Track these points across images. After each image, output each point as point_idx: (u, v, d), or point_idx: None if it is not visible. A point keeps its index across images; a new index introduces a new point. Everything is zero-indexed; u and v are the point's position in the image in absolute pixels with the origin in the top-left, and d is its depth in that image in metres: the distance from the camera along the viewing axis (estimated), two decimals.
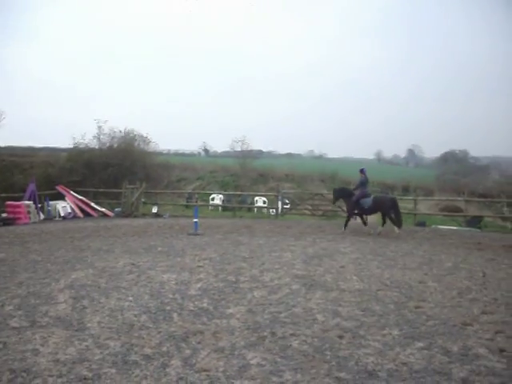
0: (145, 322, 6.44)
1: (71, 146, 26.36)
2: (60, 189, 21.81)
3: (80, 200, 21.78)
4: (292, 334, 6.01)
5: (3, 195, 19.60)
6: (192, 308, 7.04)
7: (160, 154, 32.46)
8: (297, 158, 73.19)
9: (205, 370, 4.94)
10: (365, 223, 16.54)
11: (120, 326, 6.24)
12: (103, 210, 21.56)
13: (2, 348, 5.51)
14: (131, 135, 27.30)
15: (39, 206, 19.98)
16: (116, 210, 21.52)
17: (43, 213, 20.29)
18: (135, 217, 20.57)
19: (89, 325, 6.28)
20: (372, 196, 15.70)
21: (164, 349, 5.51)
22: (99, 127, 26.30)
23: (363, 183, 15.80)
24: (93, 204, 21.84)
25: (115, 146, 26.44)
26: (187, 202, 24.70)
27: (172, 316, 6.67)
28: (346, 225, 16.33)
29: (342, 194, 16.57)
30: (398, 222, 15.44)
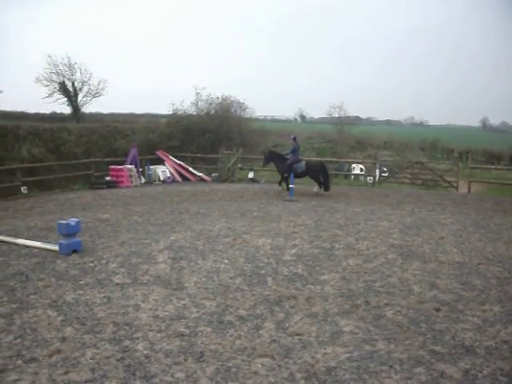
0: (240, 284, 6.72)
1: (170, 113, 27.38)
2: (160, 154, 22.82)
3: (178, 165, 22.67)
4: (386, 304, 6.01)
5: (107, 159, 20.90)
6: (286, 273, 7.23)
7: (256, 120, 32.71)
8: (396, 125, 70.81)
9: (297, 334, 5.12)
10: (287, 188, 16.88)
11: (216, 287, 6.57)
12: (201, 174, 22.31)
13: (107, 302, 6.02)
14: (228, 101, 27.78)
15: (140, 170, 21.09)
16: (213, 175, 22.19)
17: (144, 177, 21.41)
18: (231, 182, 21.12)
19: (186, 284, 6.67)
20: (304, 161, 17.14)
21: (258, 311, 5.75)
22: (197, 94, 27.04)
23: (295, 150, 17.08)
24: (191, 169, 22.66)
25: (212, 112, 27.05)
26: None
27: (266, 280, 6.90)
28: (280, 183, 17.55)
29: (272, 157, 17.62)
30: (325, 185, 16.91)
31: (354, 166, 25.67)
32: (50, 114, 48.22)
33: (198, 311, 5.75)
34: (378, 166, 22.04)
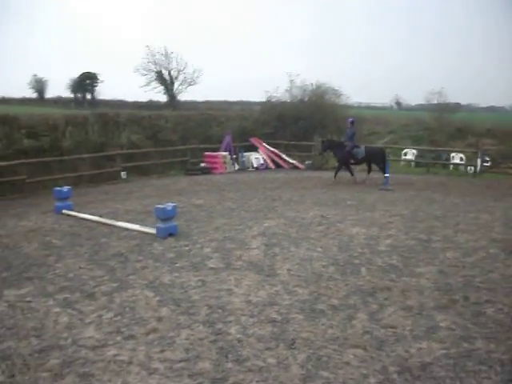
0: (332, 273, 6.65)
1: (264, 100, 27.54)
2: (253, 141, 23.08)
3: (272, 152, 22.82)
4: (487, 301, 5.70)
5: (202, 146, 21.44)
6: (380, 264, 7.06)
7: (351, 107, 32.13)
8: (500, 112, 66.64)
9: (391, 327, 4.99)
10: (352, 173, 16.76)
11: (308, 275, 6.55)
12: (294, 162, 22.31)
13: (201, 285, 6.19)
14: (322, 88, 27.46)
15: (234, 156, 21.46)
16: (306, 162, 22.11)
17: (238, 163, 21.76)
18: (325, 170, 20.93)
19: (279, 271, 6.70)
20: (363, 147, 16.59)
21: (351, 301, 5.67)
22: (291, 81, 26.97)
23: (353, 135, 16.40)
24: (284, 156, 22.73)
25: (306, 99, 26.88)
26: None
27: (360, 270, 6.78)
28: (352, 174, 16.71)
29: (330, 145, 16.96)
30: (383, 171, 16.14)
31: (453, 154, 24.56)
32: (147, 102, 50.32)
33: (290, 298, 5.76)
34: (479, 155, 20.92)
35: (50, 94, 70.95)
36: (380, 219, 10.05)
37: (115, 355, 4.42)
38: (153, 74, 46.18)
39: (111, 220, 9.76)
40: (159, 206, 8.65)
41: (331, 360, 4.31)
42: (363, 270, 6.80)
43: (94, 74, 65.08)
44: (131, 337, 4.78)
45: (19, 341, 4.79)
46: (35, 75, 71.23)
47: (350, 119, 16.94)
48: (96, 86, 66.65)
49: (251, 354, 4.41)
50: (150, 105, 47.29)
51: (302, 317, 5.23)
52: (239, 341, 4.68)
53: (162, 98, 48.74)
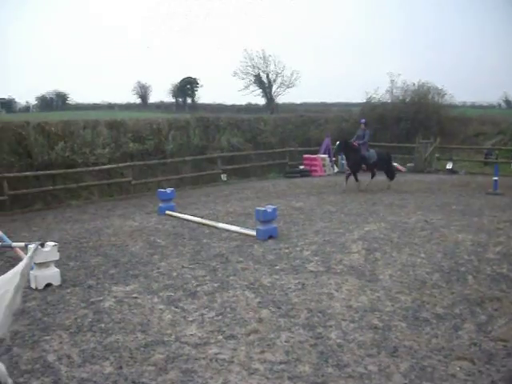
0: (437, 280, 6.41)
1: (363, 101, 27.12)
2: (353, 143, 22.79)
3: None
4: None
5: (300, 149, 21.49)
6: (489, 272, 6.70)
7: (455, 106, 30.76)
8: None
9: (501, 340, 4.71)
10: (357, 179, 15.02)
11: (411, 282, 6.35)
12: (395, 164, 21.75)
13: (301, 288, 6.20)
14: (425, 88, 26.56)
15: (333, 159, 21.28)
16: (408, 165, 21.46)
17: (337, 166, 21.55)
18: (428, 172, 20.19)
19: (380, 277, 6.56)
20: (373, 150, 15.32)
21: (456, 311, 5.43)
22: (392, 81, 26.36)
23: (365, 136, 15.02)
24: None
25: (408, 99, 26.14)
26: (486, 158, 23.04)
27: (467, 278, 6.48)
28: (356, 180, 15.01)
29: (346, 146, 14.93)
30: (391, 175, 15.58)
31: None
32: (246, 105, 51.17)
33: (392, 305, 5.62)
34: None
35: (152, 99, 74.33)
36: (488, 225, 9.53)
37: (217, 354, 4.53)
38: (251, 77, 46.95)
39: (212, 221, 10.03)
40: (259, 208, 8.77)
41: (436, 371, 4.14)
42: (470, 278, 6.48)
43: (195, 78, 67.34)
44: (232, 336, 4.88)
45: (126, 335, 5.04)
46: (139, 81, 74.98)
47: (363, 120, 15.83)
48: (196, 91, 68.95)
49: (352, 360, 4.34)
50: (249, 108, 48.13)
51: (404, 324, 5.08)
52: (339, 346, 4.63)
53: (260, 100, 49.41)
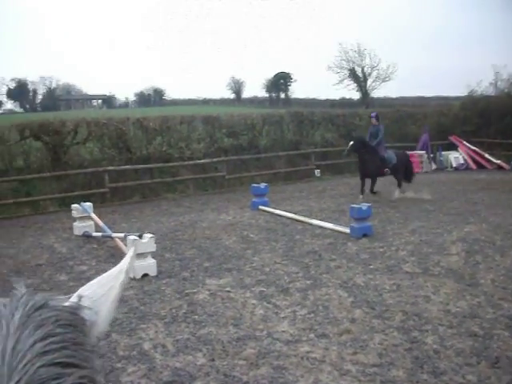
0: None
1: (464, 95, 25.94)
2: (453, 139, 21.85)
3: (473, 151, 21.35)
4: None
5: (397, 145, 20.90)
6: None
7: None
8: None
9: None
10: (372, 189, 12.53)
11: None
12: (498, 162, 20.60)
13: (396, 290, 6.04)
14: None
15: (431, 156, 20.55)
16: None
17: (435, 163, 20.78)
18: None
19: (481, 281, 6.25)
20: (391, 151, 12.87)
21: None
22: (496, 73, 25.05)
23: (378, 133, 12.49)
24: (487, 155, 21.12)
25: None
26: None
27: None
28: (373, 191, 12.50)
29: (362, 146, 12.26)
30: (409, 178, 13.00)
31: None
32: (340, 99, 50.64)
33: (494, 312, 5.33)
34: None
35: (246, 94, 75.53)
36: None
37: (308, 352, 4.52)
38: (345, 71, 46.35)
39: (305, 218, 10.01)
40: (354, 205, 8.65)
41: None
42: None
43: (288, 73, 67.52)
44: (324, 335, 4.85)
45: (219, 328, 5.15)
46: (233, 77, 76.41)
47: (374, 113, 13.17)
48: (289, 85, 69.12)
49: (449, 368, 4.17)
50: (342, 102, 47.55)
51: (507, 333, 4.81)
52: (436, 352, 4.46)
53: (355, 95, 48.68)
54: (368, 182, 12.32)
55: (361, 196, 11.87)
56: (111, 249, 8.46)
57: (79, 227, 9.56)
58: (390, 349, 4.53)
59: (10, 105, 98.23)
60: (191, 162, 15.34)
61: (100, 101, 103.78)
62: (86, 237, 9.26)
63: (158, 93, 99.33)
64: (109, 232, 8.47)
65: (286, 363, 4.34)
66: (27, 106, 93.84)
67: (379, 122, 12.77)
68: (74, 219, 9.68)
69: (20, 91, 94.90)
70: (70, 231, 9.86)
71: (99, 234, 8.87)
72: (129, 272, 0.90)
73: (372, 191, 12.21)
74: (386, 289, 6.06)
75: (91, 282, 0.90)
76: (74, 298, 0.83)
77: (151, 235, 7.03)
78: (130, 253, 0.94)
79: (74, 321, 0.74)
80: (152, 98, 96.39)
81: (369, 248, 7.87)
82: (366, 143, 12.19)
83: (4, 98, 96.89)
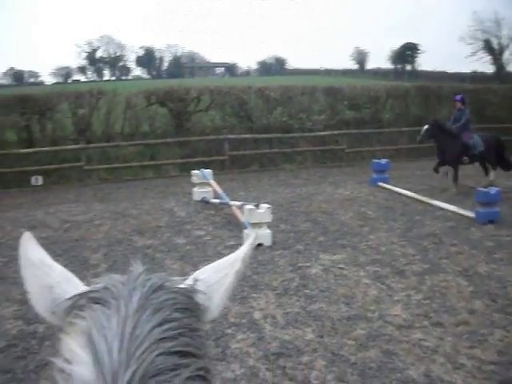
0: None
1: None
2: None
3: None
4: None
5: None
6: None
7: None
8: None
9: None
10: (457, 177, 10.96)
11: None
12: None
13: None
14: None
15: None
16: None
17: None
18: None
19: None
20: (477, 136, 11.05)
21: None
22: None
23: (467, 120, 11.03)
24: None
25: None
26: None
27: None
28: (456, 180, 10.94)
29: (440, 131, 10.82)
30: (507, 165, 11.31)
31: None
32: (471, 73, 47.67)
33: None
34: None
35: (370, 65, 73.54)
36: None
37: (421, 340, 4.37)
38: (480, 42, 43.43)
39: (426, 198, 9.61)
40: (481, 188, 8.15)
41: None
42: None
43: (415, 44, 64.57)
44: (439, 324, 4.65)
45: (330, 304, 5.13)
46: (357, 47, 74.53)
47: (459, 96, 11.48)
48: (416, 57, 66.17)
49: None
50: (474, 77, 44.71)
51: None
52: None
53: (488, 68, 45.56)
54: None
55: (454, 185, 10.74)
56: (228, 216, 8.70)
57: (198, 193, 9.93)
58: (511, 347, 4.25)
59: (138, 71, 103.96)
60: (311, 134, 15.26)
61: (223, 69, 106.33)
62: (205, 202, 9.59)
63: (280, 62, 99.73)
64: (226, 199, 8.70)
65: (396, 348, 4.24)
66: (154, 73, 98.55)
67: (465, 105, 11.35)
68: (194, 185, 10.05)
69: (147, 58, 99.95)
70: (190, 196, 10.27)
71: (217, 200, 9.15)
72: (245, 261, 0.89)
73: (455, 181, 10.85)
74: (510, 281, 5.67)
75: (207, 267, 0.90)
76: (189, 281, 0.83)
77: (268, 205, 7.11)
78: (248, 241, 0.92)
79: (189, 305, 0.73)
80: (273, 67, 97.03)
81: (494, 235, 7.38)
82: (445, 128, 10.93)
83: (133, 65, 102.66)
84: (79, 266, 6.31)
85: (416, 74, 59.21)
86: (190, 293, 0.76)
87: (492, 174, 11.19)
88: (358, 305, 5.11)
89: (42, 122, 14.15)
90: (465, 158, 10.77)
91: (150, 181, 12.99)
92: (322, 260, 6.48)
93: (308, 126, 15.55)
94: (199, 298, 0.78)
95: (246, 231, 7.07)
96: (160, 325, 0.66)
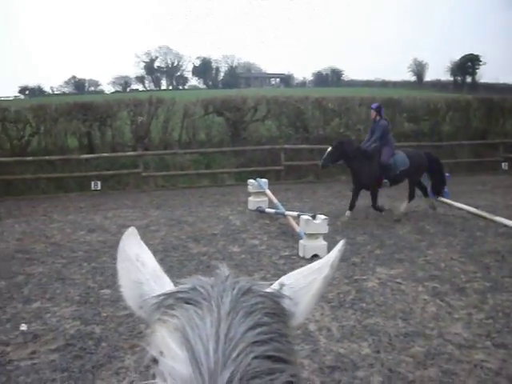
0: None
1: None
2: None
3: None
4: None
5: None
6: None
7: None
8: None
9: None
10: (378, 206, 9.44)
11: None
12: None
13: None
14: None
15: None
16: None
17: None
18: None
19: None
20: (403, 153, 9.41)
21: None
22: None
23: (386, 132, 9.23)
24: None
25: None
26: None
27: None
28: (376, 206, 9.41)
29: (345, 151, 9.11)
30: (437, 188, 9.76)
31: None
32: None
33: None
34: None
35: (428, 77, 72.35)
36: None
37: (483, 361, 4.23)
38: None
39: (489, 214, 9.30)
40: None
41: None
42: None
43: (477, 55, 63.00)
44: (503, 345, 4.48)
45: (387, 319, 5.04)
46: (415, 59, 73.43)
47: (374, 104, 9.71)
48: (477, 69, 64.55)
49: None
50: None
51: None
52: None
53: None
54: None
55: (348, 212, 9.14)
56: (283, 226, 8.70)
57: (253, 202, 9.97)
58: None
59: (194, 81, 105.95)
60: None
61: (278, 79, 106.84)
62: (260, 212, 9.61)
63: (336, 73, 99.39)
64: (282, 209, 8.70)
65: (456, 368, 4.11)
66: (210, 83, 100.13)
67: (381, 115, 9.37)
68: (249, 194, 10.10)
69: (204, 68, 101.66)
70: (245, 205, 10.33)
71: (272, 210, 9.15)
72: (334, 267, 0.88)
73: (375, 207, 9.41)
74: None
75: (293, 272, 0.90)
76: (275, 286, 0.83)
77: (324, 217, 7.07)
78: (337, 247, 0.92)
79: (276, 309, 0.74)
80: (329, 78, 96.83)
81: None
82: (353, 148, 9.25)
83: (189, 75, 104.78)
84: None
85: (476, 86, 57.75)
86: (276, 298, 0.76)
87: (403, 206, 9.46)
88: (416, 321, 5.00)
89: (102, 129, 14.59)
90: (385, 180, 9.21)
91: (206, 189, 13.16)
92: (378, 273, 6.38)
93: (365, 138, 15.34)
94: (286, 304, 0.78)
95: (301, 241, 7.05)
96: (252, 328, 0.66)
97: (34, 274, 6.65)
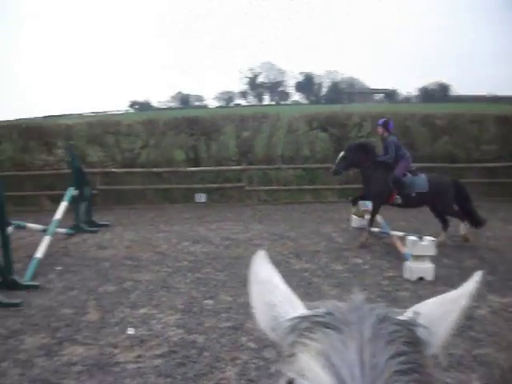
0: None
1: None
2: None
3: None
4: None
5: None
6: None
7: None
8: None
9: None
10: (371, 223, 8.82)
11: None
12: None
13: None
14: None
15: None
16: None
17: None
18: None
19: None
20: (423, 175, 8.46)
21: None
22: None
23: (398, 149, 8.48)
24: None
25: None
26: None
27: None
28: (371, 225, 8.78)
29: (361, 157, 8.65)
30: (474, 219, 8.42)
31: None
32: None
33: None
34: None
35: None
36: None
37: None
38: None
39: None
40: None
41: None
42: None
43: None
44: None
45: (499, 351, 4.75)
46: None
47: (381, 120, 9.02)
48: None
49: None
50: None
51: None
52: None
53: None
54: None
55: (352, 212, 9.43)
56: (387, 246, 8.50)
57: (357, 220, 9.81)
58: None
59: (296, 96, 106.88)
60: (479, 165, 14.40)
61: (382, 95, 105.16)
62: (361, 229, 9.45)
63: (443, 88, 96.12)
64: (387, 229, 8.50)
65: None
66: (312, 98, 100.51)
67: (389, 131, 8.78)
68: (353, 211, 9.96)
69: (307, 84, 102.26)
70: (348, 223, 10.20)
71: (377, 229, 8.96)
72: (471, 298, 0.85)
73: (370, 226, 8.80)
74: None
75: (427, 301, 0.88)
76: (409, 313, 0.82)
77: (433, 238, 6.83)
78: (474, 278, 0.89)
79: (413, 339, 0.73)
80: (436, 94, 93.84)
81: None
82: (371, 153, 8.74)
83: (292, 90, 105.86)
84: (238, 283, 6.54)
85: None
86: (412, 326, 0.76)
87: (462, 227, 8.60)
88: None
89: (207, 143, 15.02)
90: (397, 196, 8.51)
91: (309, 205, 13.15)
92: (490, 301, 6.03)
93: (476, 157, 14.69)
94: (421, 333, 0.76)
95: (407, 263, 6.84)
96: (394, 357, 0.66)
97: (141, 281, 6.96)
